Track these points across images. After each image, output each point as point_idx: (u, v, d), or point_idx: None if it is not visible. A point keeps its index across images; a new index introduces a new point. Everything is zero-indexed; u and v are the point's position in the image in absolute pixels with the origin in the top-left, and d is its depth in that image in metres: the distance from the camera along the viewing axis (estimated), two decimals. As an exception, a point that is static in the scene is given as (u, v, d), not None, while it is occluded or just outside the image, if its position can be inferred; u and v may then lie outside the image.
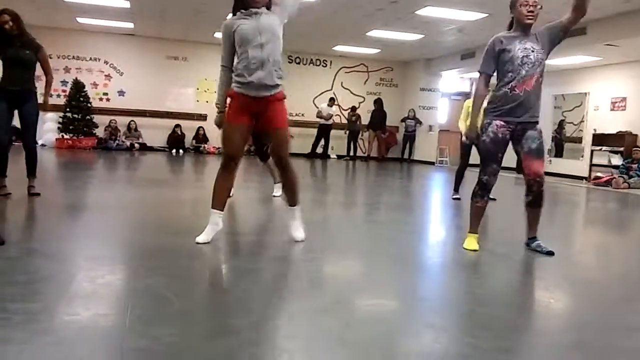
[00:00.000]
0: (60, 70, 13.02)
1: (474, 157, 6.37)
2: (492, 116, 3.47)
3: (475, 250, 3.47)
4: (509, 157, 6.83)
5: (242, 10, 3.17)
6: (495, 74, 3.54)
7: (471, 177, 6.84)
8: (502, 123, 3.43)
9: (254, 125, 3.23)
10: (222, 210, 3.24)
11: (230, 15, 3.26)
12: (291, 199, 3.38)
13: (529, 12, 3.39)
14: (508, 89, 3.41)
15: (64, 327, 1.89)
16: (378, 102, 14.52)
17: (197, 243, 3.13)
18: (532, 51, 3.41)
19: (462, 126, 6.30)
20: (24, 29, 4.71)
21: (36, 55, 4.72)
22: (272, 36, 3.15)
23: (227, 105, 3.29)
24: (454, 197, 6.38)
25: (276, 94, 3.18)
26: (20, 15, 4.66)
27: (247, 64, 3.10)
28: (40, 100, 4.80)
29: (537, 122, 3.48)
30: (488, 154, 3.49)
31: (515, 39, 3.47)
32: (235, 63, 3.19)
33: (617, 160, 10.88)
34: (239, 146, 3.25)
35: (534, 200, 3.53)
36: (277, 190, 5.37)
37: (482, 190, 3.54)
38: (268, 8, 3.22)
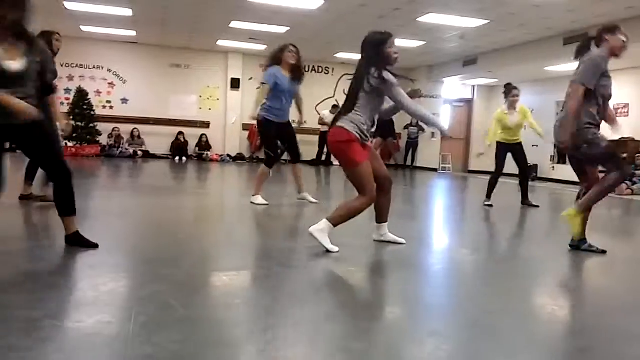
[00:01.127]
0: (63, 79, 13.10)
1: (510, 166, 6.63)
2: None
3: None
4: (511, 164, 6.81)
5: None
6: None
7: (502, 186, 6.91)
8: None
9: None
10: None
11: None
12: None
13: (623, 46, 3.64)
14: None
15: (68, 334, 1.89)
16: None
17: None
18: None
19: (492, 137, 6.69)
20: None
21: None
22: None
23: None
24: (487, 203, 6.51)
25: None
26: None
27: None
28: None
29: None
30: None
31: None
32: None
33: (620, 166, 10.85)
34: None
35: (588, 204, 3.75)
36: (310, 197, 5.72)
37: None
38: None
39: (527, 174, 6.76)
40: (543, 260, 3.66)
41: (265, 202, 5.37)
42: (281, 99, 5.32)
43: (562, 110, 3.78)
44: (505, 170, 6.68)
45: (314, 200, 5.71)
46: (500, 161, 6.66)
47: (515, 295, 2.85)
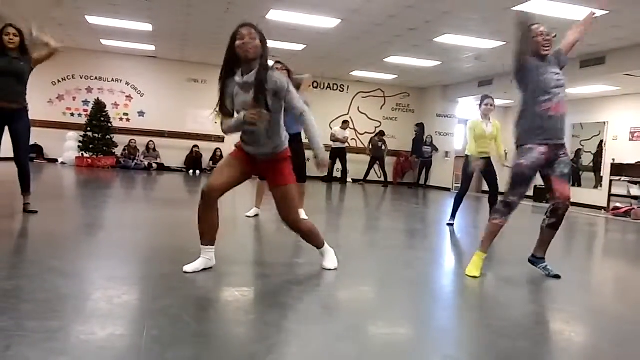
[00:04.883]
0: (82, 91, 13.33)
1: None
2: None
3: (474, 277, 3.47)
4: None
5: None
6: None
7: (468, 203, 6.83)
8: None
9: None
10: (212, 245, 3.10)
11: None
12: (315, 244, 3.37)
13: (545, 40, 3.56)
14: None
15: (80, 346, 1.89)
16: (421, 127, 14.63)
17: (185, 272, 2.95)
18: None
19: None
20: (26, 45, 4.76)
21: (29, 63, 4.70)
22: None
23: None
24: (449, 222, 6.40)
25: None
26: (24, 33, 4.74)
27: None
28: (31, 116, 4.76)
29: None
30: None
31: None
32: None
33: (636, 190, 10.73)
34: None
35: (558, 223, 3.61)
36: (253, 212, 5.63)
37: (507, 209, 3.54)
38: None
39: (497, 191, 6.12)
40: (558, 284, 3.60)
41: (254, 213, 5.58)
42: None
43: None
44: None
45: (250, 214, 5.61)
46: (467, 176, 6.23)
47: (531, 319, 2.81)
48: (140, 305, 2.45)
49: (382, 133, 14.66)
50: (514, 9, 7.37)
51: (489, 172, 6.22)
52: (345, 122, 14.22)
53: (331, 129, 14.54)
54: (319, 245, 3.37)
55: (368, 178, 14.42)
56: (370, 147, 14.44)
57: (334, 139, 13.88)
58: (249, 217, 5.54)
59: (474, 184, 15.22)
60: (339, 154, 13.92)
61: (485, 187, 6.56)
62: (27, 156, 4.84)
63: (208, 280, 2.95)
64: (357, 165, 14.47)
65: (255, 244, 4.58)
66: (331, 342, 2.13)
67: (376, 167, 14.59)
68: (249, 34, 2.93)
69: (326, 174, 10.76)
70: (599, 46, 9.08)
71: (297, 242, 3.52)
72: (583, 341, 2.57)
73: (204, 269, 3.04)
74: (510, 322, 2.69)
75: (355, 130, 15.04)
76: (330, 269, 3.33)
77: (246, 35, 2.93)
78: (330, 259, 3.38)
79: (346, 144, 14.02)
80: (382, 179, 14.43)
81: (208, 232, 3.06)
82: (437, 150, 14.59)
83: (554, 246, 3.84)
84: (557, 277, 3.63)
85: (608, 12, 7.21)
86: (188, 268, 3.00)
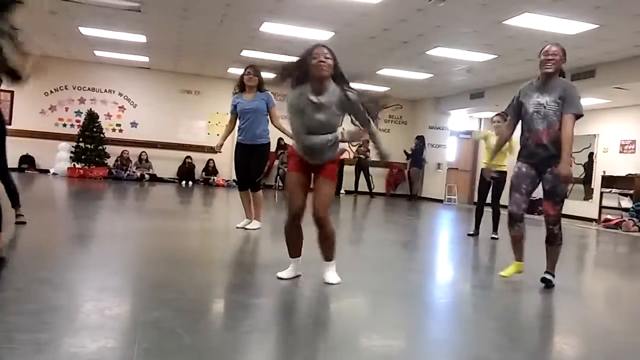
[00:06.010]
0: (75, 101, 13.30)
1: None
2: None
3: (504, 277, 3.83)
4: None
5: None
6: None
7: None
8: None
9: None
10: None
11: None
12: (328, 253, 3.35)
13: (547, 60, 3.73)
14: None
15: (71, 359, 1.87)
16: (421, 139, 14.71)
17: (279, 278, 3.27)
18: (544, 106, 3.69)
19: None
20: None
21: None
22: None
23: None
24: (470, 233, 6.52)
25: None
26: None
27: None
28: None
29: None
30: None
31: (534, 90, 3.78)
32: None
33: (626, 202, 10.81)
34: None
35: (548, 237, 3.80)
36: (241, 223, 5.51)
37: (508, 219, 3.83)
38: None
39: (496, 207, 6.37)
40: (551, 295, 3.61)
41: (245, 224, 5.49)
42: (243, 119, 5.43)
43: (544, 145, 3.65)
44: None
45: (250, 227, 5.44)
46: (479, 188, 6.51)
47: (524, 332, 2.81)
48: (132, 317, 2.43)
49: (366, 142, 14.68)
50: (504, 22, 7.46)
51: (496, 186, 6.35)
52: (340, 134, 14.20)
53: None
54: (330, 255, 3.35)
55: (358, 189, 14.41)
56: (357, 157, 14.41)
57: None
58: (240, 228, 5.48)
59: (468, 195, 15.33)
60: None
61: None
62: (6, 171, 4.50)
63: (200, 293, 2.94)
64: (349, 176, 14.44)
65: (248, 256, 4.56)
66: (324, 355, 2.12)
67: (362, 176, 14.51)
68: (324, 54, 3.13)
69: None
70: (589, 59, 9.19)
71: (286, 255, 3.50)
72: (575, 353, 2.58)
73: (295, 276, 3.35)
74: (503, 334, 2.69)
75: (349, 143, 15.09)
76: (333, 284, 3.28)
77: (321, 54, 3.13)
78: (334, 274, 3.35)
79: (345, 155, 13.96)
80: (371, 188, 14.42)
81: (296, 247, 3.37)
82: (426, 162, 14.71)
83: (544, 257, 3.86)
84: (545, 280, 3.71)
85: (598, 26, 7.31)
86: (282, 275, 3.31)
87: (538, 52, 3.78)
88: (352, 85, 3.24)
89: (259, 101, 5.41)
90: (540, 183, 3.77)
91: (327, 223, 3.24)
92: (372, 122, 3.33)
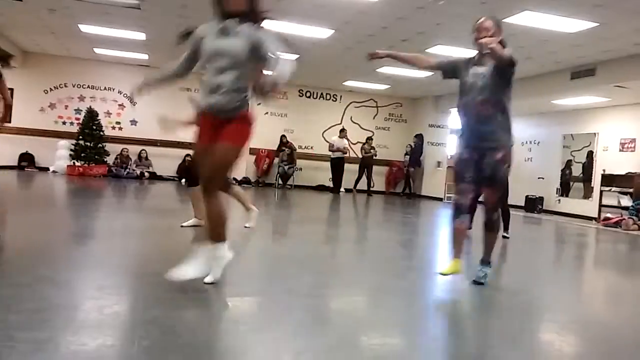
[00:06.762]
0: (74, 99, 13.29)
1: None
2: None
3: (444, 275, 3.45)
4: (518, 195, 6.73)
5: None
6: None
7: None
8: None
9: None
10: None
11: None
12: (213, 233, 2.89)
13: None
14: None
15: (70, 357, 1.87)
16: (420, 138, 14.71)
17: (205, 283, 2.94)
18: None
19: None
20: None
21: None
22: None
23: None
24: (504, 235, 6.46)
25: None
26: None
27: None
28: None
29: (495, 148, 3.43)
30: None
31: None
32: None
33: (626, 201, 10.81)
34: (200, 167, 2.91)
35: (486, 223, 3.59)
36: (250, 221, 5.22)
37: (455, 211, 3.52)
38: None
39: (505, 206, 6.35)
40: (550, 294, 3.62)
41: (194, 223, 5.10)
42: None
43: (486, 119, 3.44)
44: (509, 202, 6.52)
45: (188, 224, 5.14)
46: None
47: (522, 330, 2.81)
48: (132, 316, 2.43)
49: (370, 139, 14.69)
50: (504, 20, 7.45)
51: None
52: (342, 130, 14.19)
53: (326, 140, 14.57)
54: (216, 237, 2.87)
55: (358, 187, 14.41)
56: (363, 154, 14.43)
57: (333, 148, 13.86)
58: (184, 226, 5.09)
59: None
60: (338, 163, 13.88)
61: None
62: None
63: (200, 291, 2.94)
64: (350, 174, 14.45)
65: (249, 253, 4.56)
66: (324, 354, 2.12)
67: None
68: None
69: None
70: (589, 58, 9.18)
71: (288, 253, 3.51)
72: (574, 351, 2.58)
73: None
74: (502, 332, 2.69)
75: (348, 140, 15.10)
76: (208, 282, 2.87)
77: None
78: (216, 268, 2.89)
79: (346, 154, 13.96)
80: (371, 186, 14.43)
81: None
82: (420, 163, 14.88)
83: (546, 256, 3.85)
84: (481, 284, 3.53)
85: (598, 24, 7.30)
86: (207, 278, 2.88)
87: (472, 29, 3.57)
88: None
89: None
90: (481, 169, 3.46)
91: (212, 195, 2.81)
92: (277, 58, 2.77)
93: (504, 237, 6.32)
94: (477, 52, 3.58)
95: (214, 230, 2.87)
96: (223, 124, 2.85)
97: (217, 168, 2.84)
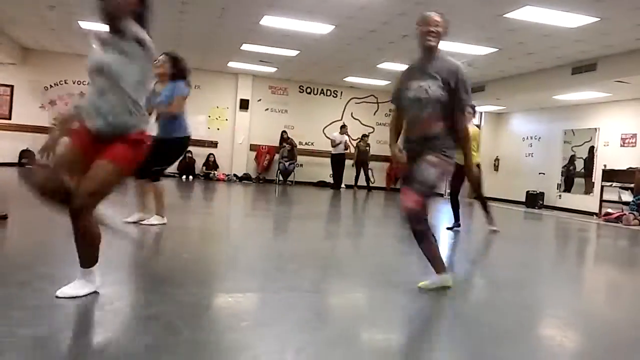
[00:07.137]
0: (75, 96, 13.27)
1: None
2: None
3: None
4: (519, 192, 6.78)
5: None
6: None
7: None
8: None
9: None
10: None
11: None
12: (85, 256, 2.54)
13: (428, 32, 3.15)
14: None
15: (71, 354, 1.88)
16: None
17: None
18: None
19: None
20: None
21: None
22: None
23: None
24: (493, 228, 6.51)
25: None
26: None
27: None
28: None
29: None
30: None
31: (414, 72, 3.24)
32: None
33: (627, 196, 10.80)
34: None
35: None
36: (151, 220, 4.88)
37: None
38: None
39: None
40: (550, 290, 3.62)
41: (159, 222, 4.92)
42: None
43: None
44: (509, 197, 6.56)
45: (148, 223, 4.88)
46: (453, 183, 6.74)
47: (524, 325, 2.82)
48: (132, 312, 2.43)
49: (365, 135, 14.66)
50: (505, 15, 7.43)
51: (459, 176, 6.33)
52: (343, 126, 14.18)
53: (327, 137, 14.55)
54: (87, 261, 2.52)
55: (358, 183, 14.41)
56: (357, 151, 14.40)
57: (334, 144, 13.85)
58: (128, 222, 4.75)
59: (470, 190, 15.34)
60: (339, 160, 13.86)
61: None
62: None
63: (201, 287, 2.94)
64: (351, 170, 14.44)
65: (250, 249, 4.56)
66: (324, 349, 2.12)
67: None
68: None
69: None
70: (590, 53, 9.16)
71: (289, 249, 3.51)
72: (575, 347, 2.58)
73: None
74: (503, 328, 2.69)
75: (349, 136, 15.09)
76: (64, 297, 2.40)
77: None
78: (78, 286, 2.46)
79: (347, 150, 13.94)
80: (371, 182, 14.43)
81: None
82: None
83: (546, 251, 3.85)
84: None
85: (599, 19, 7.28)
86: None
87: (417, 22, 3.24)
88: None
89: (167, 88, 5.03)
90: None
91: (84, 211, 2.47)
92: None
93: (493, 231, 6.40)
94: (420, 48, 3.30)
95: (88, 254, 2.55)
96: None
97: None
